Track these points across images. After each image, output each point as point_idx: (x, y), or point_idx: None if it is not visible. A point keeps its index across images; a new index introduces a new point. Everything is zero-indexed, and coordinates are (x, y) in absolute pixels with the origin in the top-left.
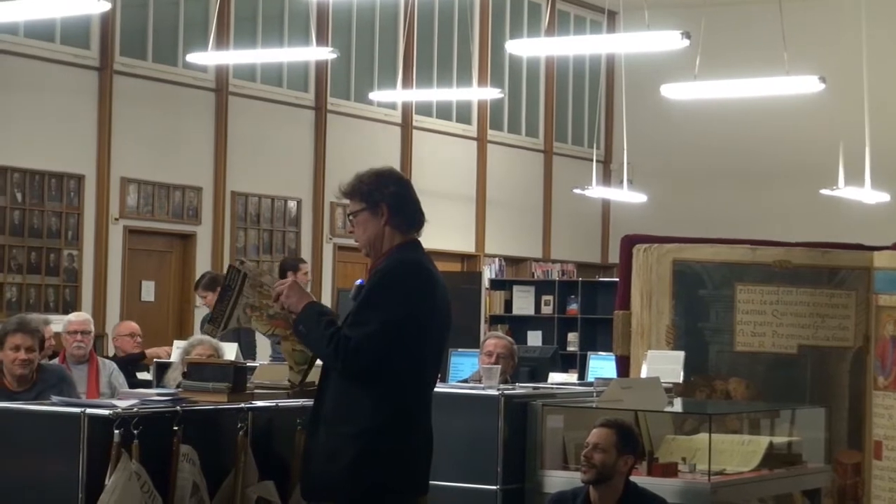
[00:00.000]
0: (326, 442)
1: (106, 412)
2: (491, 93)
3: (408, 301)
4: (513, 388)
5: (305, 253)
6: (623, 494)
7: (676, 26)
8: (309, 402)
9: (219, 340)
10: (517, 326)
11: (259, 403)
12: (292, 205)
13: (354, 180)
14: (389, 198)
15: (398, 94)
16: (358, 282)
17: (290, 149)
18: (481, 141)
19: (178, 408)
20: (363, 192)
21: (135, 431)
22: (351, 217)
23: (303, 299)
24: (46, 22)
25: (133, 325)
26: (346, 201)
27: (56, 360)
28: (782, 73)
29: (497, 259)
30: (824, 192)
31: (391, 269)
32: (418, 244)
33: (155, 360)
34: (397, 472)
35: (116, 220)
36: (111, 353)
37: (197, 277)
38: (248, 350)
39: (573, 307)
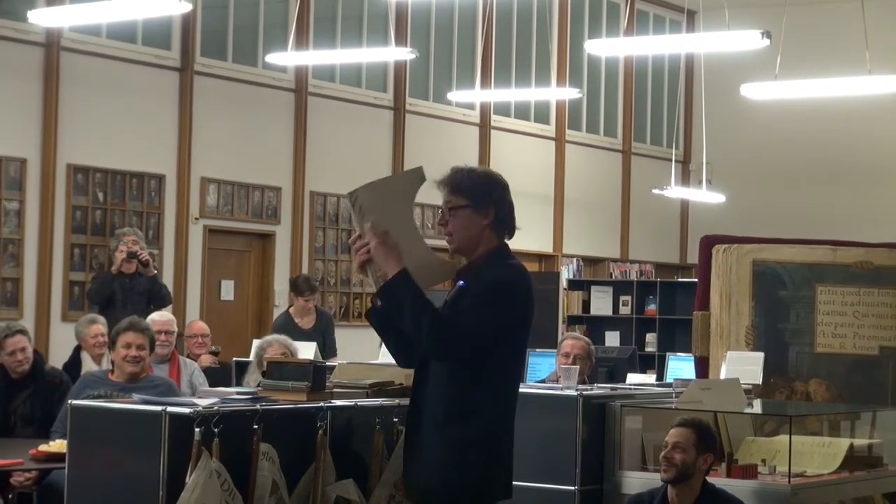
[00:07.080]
0: (444, 444)
1: (187, 410)
2: (569, 93)
3: (521, 306)
4: (591, 389)
5: None
6: (700, 494)
7: (757, 26)
8: (387, 402)
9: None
10: (595, 327)
11: (338, 403)
12: None
13: (462, 175)
14: (497, 202)
15: (476, 95)
16: (460, 283)
17: (368, 149)
18: (559, 141)
19: (258, 406)
20: (470, 189)
21: (215, 430)
22: (452, 210)
23: (394, 263)
24: (128, 23)
25: (199, 326)
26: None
27: None
28: (864, 73)
29: (575, 259)
30: None
31: (508, 274)
32: (510, 249)
33: (234, 359)
34: (506, 476)
35: (196, 219)
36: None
37: (276, 277)
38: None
39: (651, 308)
